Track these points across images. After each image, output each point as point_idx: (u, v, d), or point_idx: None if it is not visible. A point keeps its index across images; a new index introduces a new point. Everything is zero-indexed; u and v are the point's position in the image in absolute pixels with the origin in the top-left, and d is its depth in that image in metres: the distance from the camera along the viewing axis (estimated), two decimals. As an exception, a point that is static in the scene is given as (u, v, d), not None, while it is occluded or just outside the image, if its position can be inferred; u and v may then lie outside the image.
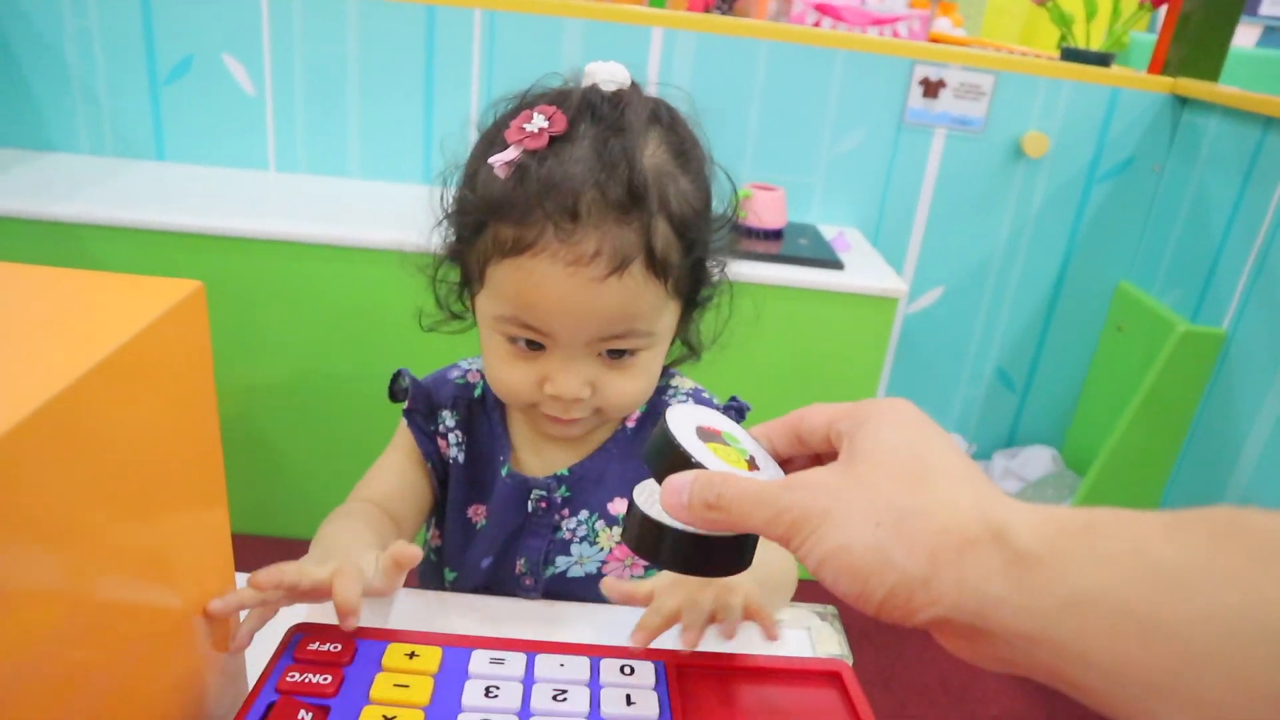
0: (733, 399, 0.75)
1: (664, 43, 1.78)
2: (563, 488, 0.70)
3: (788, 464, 0.45)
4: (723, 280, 0.69)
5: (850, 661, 0.59)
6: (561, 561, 0.71)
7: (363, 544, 0.60)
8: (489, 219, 0.60)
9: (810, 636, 0.66)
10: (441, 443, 0.73)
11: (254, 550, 1.78)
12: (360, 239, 1.55)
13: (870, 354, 1.68)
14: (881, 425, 0.39)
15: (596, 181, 0.57)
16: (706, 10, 2.20)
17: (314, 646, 0.51)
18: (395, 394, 0.75)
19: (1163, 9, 1.93)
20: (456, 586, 0.75)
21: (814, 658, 0.56)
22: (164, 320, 0.40)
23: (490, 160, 0.59)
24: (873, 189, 1.92)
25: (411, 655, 0.51)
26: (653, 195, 0.59)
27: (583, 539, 0.71)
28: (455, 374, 0.75)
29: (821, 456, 0.43)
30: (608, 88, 0.61)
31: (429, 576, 0.78)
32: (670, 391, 0.75)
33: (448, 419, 0.73)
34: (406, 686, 0.48)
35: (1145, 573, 0.30)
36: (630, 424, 0.73)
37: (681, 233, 0.61)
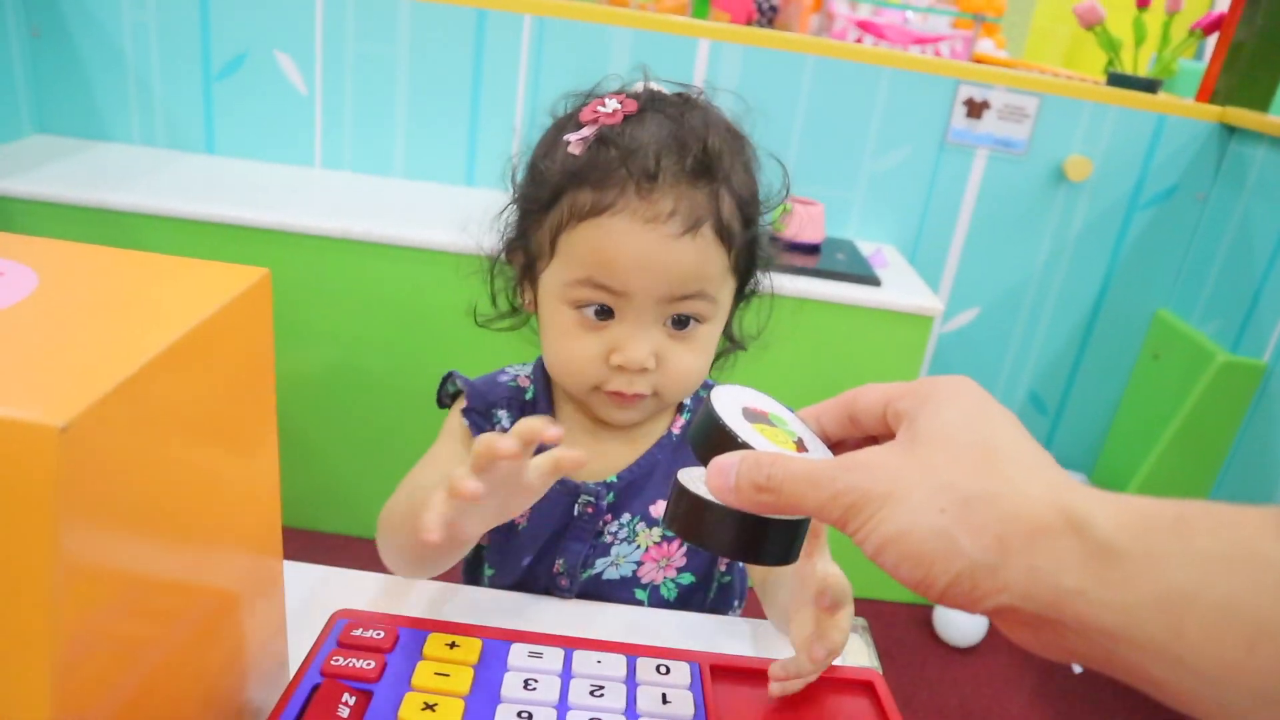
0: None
1: (710, 54, 1.79)
2: (610, 494, 0.71)
3: (838, 447, 0.43)
4: (767, 281, 0.73)
5: (880, 673, 0.59)
6: (600, 564, 0.72)
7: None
8: (567, 187, 0.63)
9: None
10: None
11: (286, 543, 1.80)
12: (401, 237, 1.57)
13: (904, 372, 1.67)
14: (944, 405, 0.37)
15: (673, 147, 0.62)
16: (749, 23, 2.21)
17: (358, 633, 0.52)
18: (442, 398, 0.77)
19: (1213, 37, 1.91)
20: (494, 583, 0.75)
21: (847, 666, 0.57)
22: (233, 305, 0.41)
23: (566, 137, 0.64)
24: (912, 207, 1.92)
25: (452, 645, 0.52)
26: (720, 169, 0.63)
27: (623, 540, 0.72)
28: (505, 377, 0.76)
29: (877, 438, 0.41)
30: (667, 90, 0.67)
31: (469, 571, 0.79)
32: None
33: (504, 419, 0.74)
34: (447, 675, 0.49)
35: (1253, 571, 0.28)
36: (675, 430, 0.74)
37: (742, 207, 0.65)
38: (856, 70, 1.81)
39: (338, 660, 0.49)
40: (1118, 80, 1.89)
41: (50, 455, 0.30)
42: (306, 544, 1.78)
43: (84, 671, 0.33)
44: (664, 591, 0.73)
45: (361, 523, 1.80)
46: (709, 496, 0.39)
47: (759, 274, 0.72)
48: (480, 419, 0.73)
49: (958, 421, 0.36)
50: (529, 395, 0.75)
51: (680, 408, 0.75)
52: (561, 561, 0.71)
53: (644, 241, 0.61)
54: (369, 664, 0.49)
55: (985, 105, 1.82)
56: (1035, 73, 1.88)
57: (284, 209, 1.60)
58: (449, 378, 0.76)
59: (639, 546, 0.72)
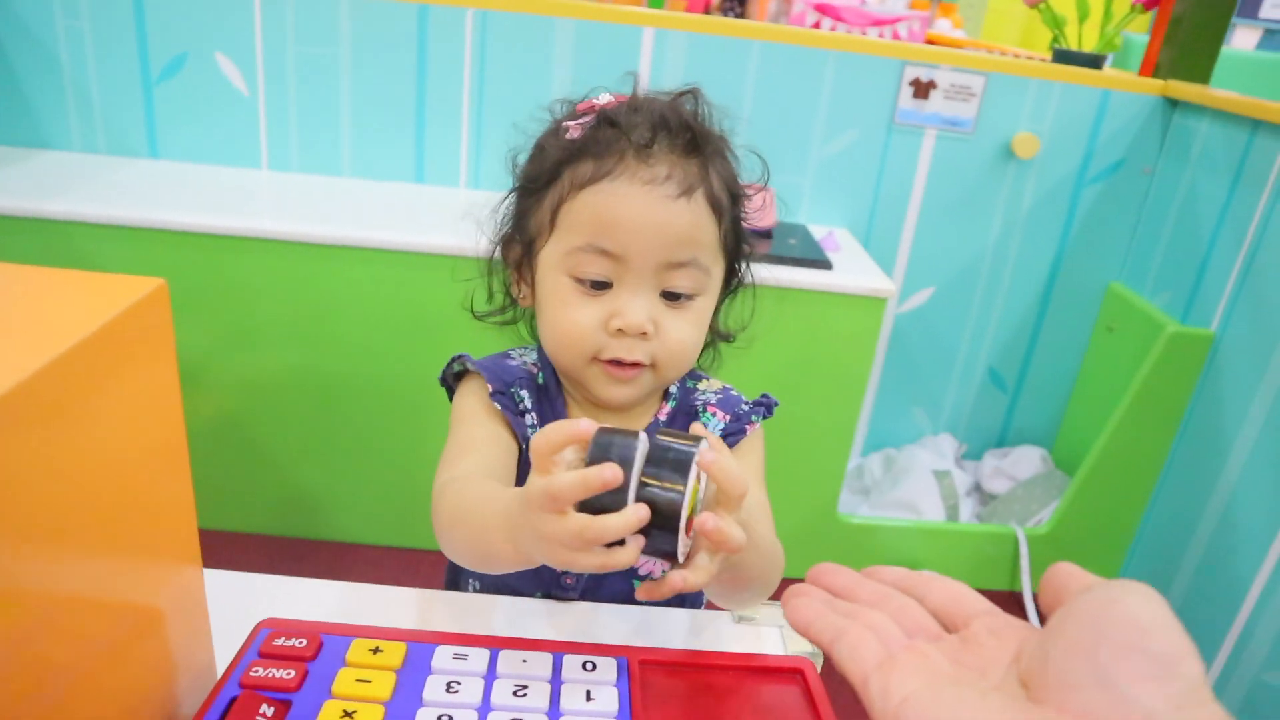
0: (763, 395, 0.78)
1: (655, 43, 1.78)
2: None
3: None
4: (748, 276, 0.77)
5: (821, 660, 0.59)
6: None
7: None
8: (566, 164, 0.67)
9: (783, 635, 0.66)
10: (525, 421, 0.73)
11: (245, 547, 1.78)
12: (355, 238, 1.55)
13: (859, 354, 1.68)
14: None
15: (666, 125, 0.67)
16: (707, 11, 2.20)
17: (280, 642, 0.52)
18: (446, 377, 0.76)
19: (1155, 11, 1.93)
20: (487, 584, 0.76)
21: (779, 655, 0.57)
22: (124, 317, 0.41)
23: (565, 124, 0.68)
24: (863, 189, 1.93)
25: (376, 650, 0.51)
26: (707, 150, 0.68)
27: None
28: (513, 361, 0.76)
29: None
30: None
31: (450, 573, 0.80)
32: (699, 392, 0.77)
33: (525, 399, 0.73)
34: (369, 681, 0.49)
35: None
36: (661, 416, 0.75)
37: (729, 185, 0.70)
38: (803, 55, 1.81)
39: (257, 671, 0.49)
40: (1062, 56, 1.90)
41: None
42: (272, 549, 1.76)
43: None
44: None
45: (332, 526, 1.79)
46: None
47: (741, 266, 0.76)
48: (505, 399, 0.72)
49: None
50: (540, 380, 0.75)
51: (666, 394, 0.76)
52: None
53: (643, 202, 0.65)
54: (289, 673, 0.49)
55: (932, 85, 1.83)
56: (983, 52, 1.89)
57: (233, 213, 1.57)
58: (457, 359, 0.75)
59: None
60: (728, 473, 0.48)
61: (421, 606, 0.64)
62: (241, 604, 0.61)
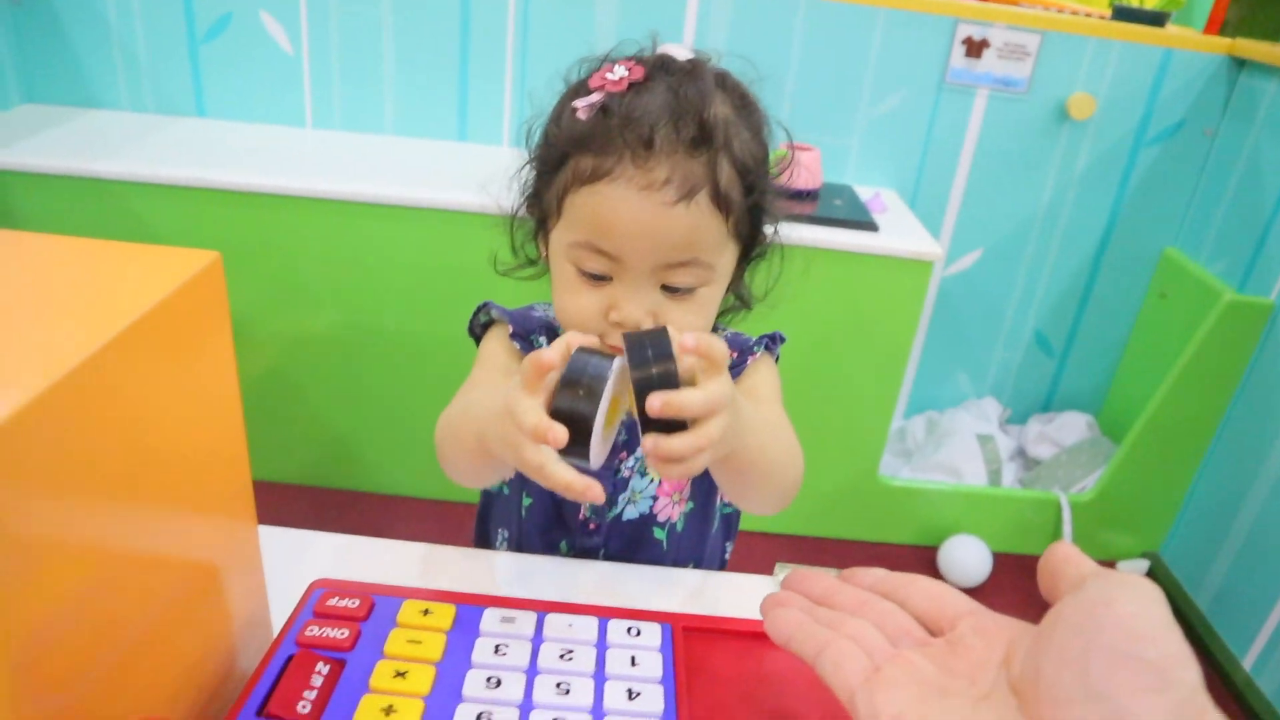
0: (775, 332, 0.78)
1: (700, 4, 1.75)
2: (622, 431, 0.72)
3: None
4: (775, 240, 0.74)
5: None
6: (621, 501, 0.74)
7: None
8: (571, 152, 0.65)
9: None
10: None
11: (290, 498, 1.82)
12: (398, 196, 1.56)
13: (904, 317, 1.66)
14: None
15: (671, 118, 0.63)
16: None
17: (333, 602, 0.53)
18: (474, 327, 0.78)
19: (1221, -36, 1.86)
20: (528, 520, 0.77)
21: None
22: (184, 290, 0.41)
23: (574, 104, 0.65)
24: (911, 150, 1.89)
25: (426, 612, 0.52)
26: (719, 138, 0.64)
27: (637, 473, 0.74)
28: (537, 314, 0.78)
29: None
30: (680, 55, 0.67)
31: (480, 528, 0.82)
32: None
33: (543, 346, 0.75)
34: (419, 642, 0.50)
35: None
36: None
37: (742, 174, 0.66)
38: (852, 12, 1.77)
39: (312, 630, 0.50)
40: (1123, 14, 1.84)
41: (-11, 450, 0.30)
42: (316, 500, 1.81)
43: (56, 654, 0.34)
44: (679, 527, 0.75)
45: (371, 479, 1.82)
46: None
47: (767, 234, 0.73)
48: (526, 345, 0.75)
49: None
50: (560, 331, 0.76)
51: None
52: (587, 506, 0.73)
53: (639, 209, 0.62)
54: (343, 633, 0.50)
55: (985, 44, 1.78)
56: (1038, 9, 1.83)
57: (278, 172, 1.59)
58: (483, 308, 0.77)
59: (651, 481, 0.74)
60: (699, 343, 0.50)
61: (466, 565, 0.65)
62: (292, 561, 0.62)
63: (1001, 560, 1.87)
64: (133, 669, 0.41)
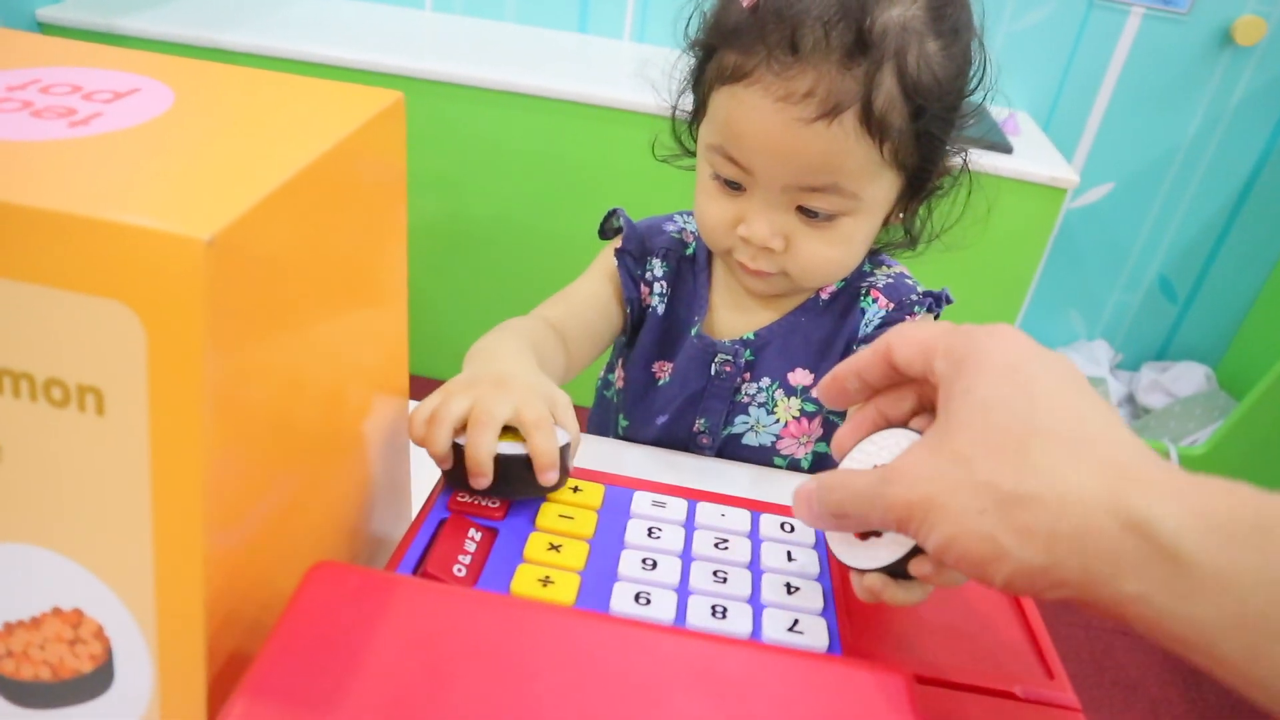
0: (942, 290, 0.71)
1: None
2: (748, 351, 0.70)
3: (893, 393, 0.43)
4: (963, 171, 0.65)
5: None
6: (739, 423, 0.71)
7: (525, 365, 0.57)
8: (720, 45, 0.59)
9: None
10: (645, 290, 0.73)
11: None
12: (515, 84, 1.53)
13: (1029, 246, 1.59)
14: (980, 376, 0.35)
15: (826, 20, 0.54)
16: None
17: (481, 472, 0.52)
18: (605, 231, 0.75)
19: None
20: (629, 436, 0.75)
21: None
22: (370, 125, 0.40)
23: None
24: (1051, 71, 1.78)
25: (575, 489, 0.51)
26: (886, 47, 0.55)
27: (761, 405, 0.71)
28: (671, 227, 0.74)
29: (925, 385, 0.40)
30: None
31: (602, 418, 0.80)
32: (871, 275, 0.71)
33: (657, 268, 0.72)
34: (571, 518, 0.49)
35: None
36: (825, 294, 0.70)
37: (911, 95, 0.56)
38: (1005, -87, 1.65)
39: (464, 497, 0.50)
40: (1306, -71, 1.67)
41: (197, 269, 0.29)
42: (416, 389, 1.83)
43: (232, 489, 0.34)
44: (804, 464, 0.73)
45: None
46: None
47: (952, 160, 0.64)
48: (633, 262, 0.72)
49: (993, 397, 0.34)
50: (689, 250, 0.73)
51: None
52: (702, 421, 0.71)
53: (770, 122, 0.56)
54: (494, 503, 0.49)
55: (1148, -45, 1.65)
56: (1209, -81, 1.68)
57: (394, 51, 1.57)
58: (613, 214, 0.74)
59: (778, 420, 0.71)
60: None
61: (601, 449, 0.64)
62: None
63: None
64: (296, 516, 0.40)
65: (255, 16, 1.66)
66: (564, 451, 0.49)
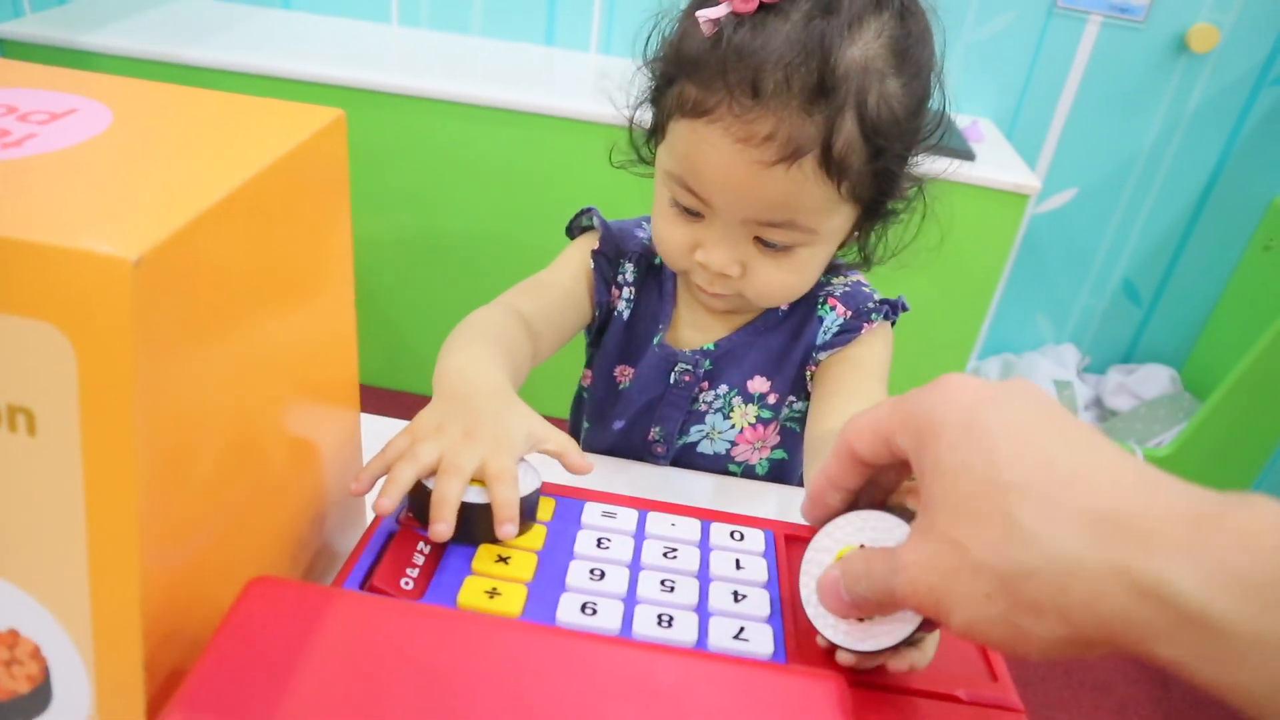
0: (898, 297, 0.71)
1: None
2: (707, 361, 0.70)
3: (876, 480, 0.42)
4: (917, 197, 0.65)
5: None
6: (695, 431, 0.72)
7: (498, 396, 0.56)
8: (680, 75, 0.58)
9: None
10: (614, 293, 0.73)
11: (365, 401, 1.85)
12: (480, 97, 1.53)
13: (993, 252, 1.60)
14: (940, 441, 0.34)
15: (787, 64, 0.53)
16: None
17: (433, 484, 0.52)
18: (573, 229, 0.75)
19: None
20: (589, 440, 0.76)
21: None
22: (308, 144, 0.40)
23: (699, 13, 0.56)
24: (1013, 78, 1.80)
25: (526, 502, 0.51)
26: (847, 90, 0.54)
27: (718, 410, 0.71)
28: (642, 234, 0.74)
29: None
30: None
31: (579, 419, 0.80)
32: (829, 285, 0.71)
33: (629, 272, 0.72)
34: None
35: None
36: (783, 307, 0.71)
37: (871, 136, 0.56)
38: (964, -76, 1.67)
39: (412, 513, 0.50)
40: (1257, -62, 1.71)
41: (125, 289, 0.29)
42: (385, 402, 1.83)
43: (169, 506, 0.34)
44: (759, 469, 0.73)
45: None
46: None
47: (906, 188, 0.63)
48: (607, 265, 0.72)
49: (956, 463, 0.33)
50: (657, 260, 0.73)
51: None
52: (658, 429, 0.71)
53: (731, 163, 0.56)
54: (444, 516, 0.49)
55: (1104, -35, 1.68)
56: (1164, -71, 1.71)
57: (360, 66, 1.57)
58: (586, 212, 0.74)
59: (734, 426, 0.72)
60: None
61: (551, 462, 0.64)
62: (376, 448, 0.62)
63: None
64: (239, 531, 0.40)
65: (221, 31, 1.66)
66: (528, 500, 0.48)
